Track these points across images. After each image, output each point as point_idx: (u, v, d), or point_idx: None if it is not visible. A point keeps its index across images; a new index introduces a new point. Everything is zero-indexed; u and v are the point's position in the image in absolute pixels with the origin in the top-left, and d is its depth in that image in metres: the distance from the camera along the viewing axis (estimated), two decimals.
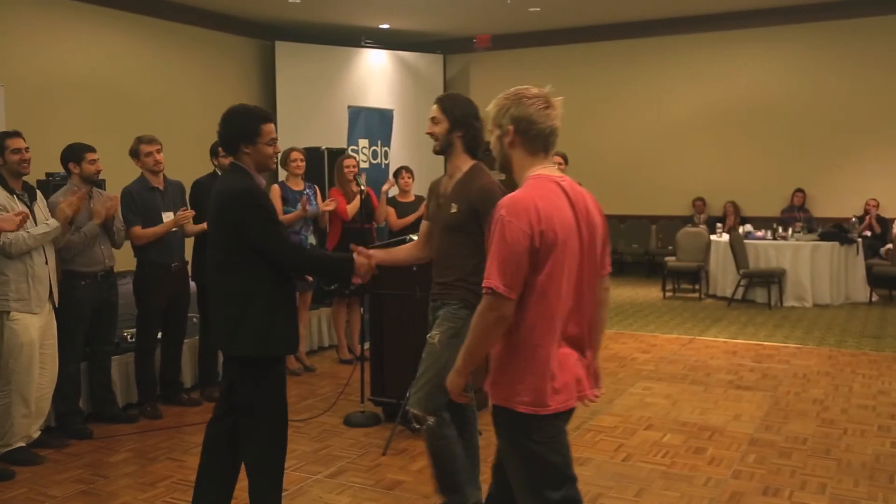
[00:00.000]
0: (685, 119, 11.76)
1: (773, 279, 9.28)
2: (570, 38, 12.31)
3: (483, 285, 2.14)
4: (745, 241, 9.55)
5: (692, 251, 9.99)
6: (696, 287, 10.17)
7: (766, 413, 5.10)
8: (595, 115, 12.29)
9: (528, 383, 2.18)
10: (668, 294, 10.17)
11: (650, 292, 10.48)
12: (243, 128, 3.02)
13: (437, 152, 3.35)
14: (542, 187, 2.19)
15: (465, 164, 3.35)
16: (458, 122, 3.31)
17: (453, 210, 3.27)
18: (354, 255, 3.14)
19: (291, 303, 3.11)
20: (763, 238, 9.74)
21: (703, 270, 10.05)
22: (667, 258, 10.40)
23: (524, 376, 2.19)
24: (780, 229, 9.86)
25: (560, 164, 6.77)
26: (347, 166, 6.35)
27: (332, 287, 6.40)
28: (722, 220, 11.21)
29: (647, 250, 11.88)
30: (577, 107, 12.39)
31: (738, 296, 9.52)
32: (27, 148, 4.28)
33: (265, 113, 3.12)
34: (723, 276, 9.80)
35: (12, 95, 8.33)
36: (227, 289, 2.98)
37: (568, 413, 2.25)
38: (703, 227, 10.43)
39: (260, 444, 3.06)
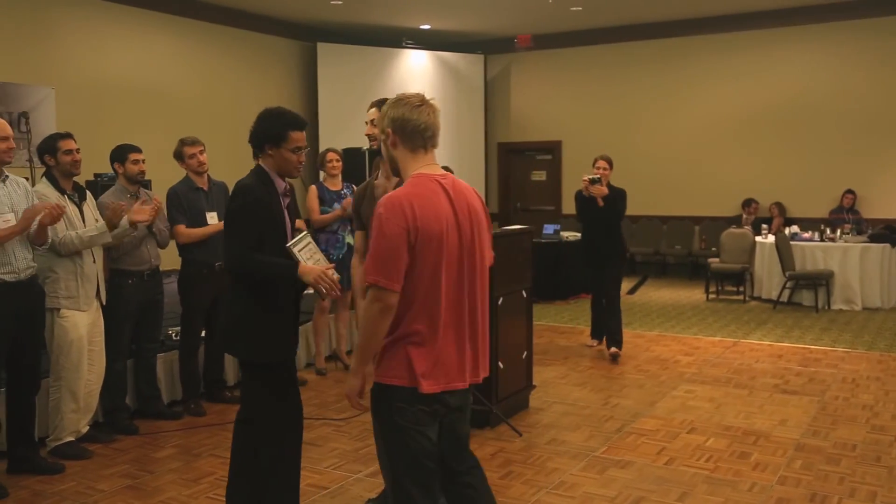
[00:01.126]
0: (729, 118, 11.58)
1: (820, 281, 9.09)
2: (613, 38, 12.20)
3: (366, 280, 2.28)
4: (792, 242, 9.37)
5: (736, 253, 9.84)
6: (741, 289, 10.01)
7: (814, 418, 5.00)
8: (637, 114, 12.16)
9: (401, 361, 2.32)
10: (712, 296, 10.02)
11: (693, 294, 10.33)
12: (270, 129, 3.03)
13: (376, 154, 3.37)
14: (420, 185, 2.34)
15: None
16: None
17: None
18: (300, 262, 2.99)
19: (291, 307, 3.08)
20: (810, 240, 9.55)
21: (748, 272, 9.88)
22: (710, 260, 10.25)
23: (402, 359, 2.32)
24: (828, 231, 9.65)
25: (605, 169, 6.68)
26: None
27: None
28: (767, 221, 11.01)
29: (689, 252, 11.73)
30: (619, 106, 12.28)
31: (784, 298, 9.35)
32: (78, 149, 4.37)
33: (299, 121, 3.09)
34: (768, 278, 9.63)
35: (63, 97, 8.53)
36: (234, 290, 3.03)
37: (438, 398, 2.35)
38: (747, 229, 10.26)
39: (244, 446, 3.09)
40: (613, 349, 6.64)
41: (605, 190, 6.59)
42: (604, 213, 6.60)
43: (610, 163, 6.76)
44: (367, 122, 3.53)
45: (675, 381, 5.96)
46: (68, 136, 4.38)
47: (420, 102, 2.40)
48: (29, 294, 3.95)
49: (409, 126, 2.38)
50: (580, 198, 6.77)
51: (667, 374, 6.19)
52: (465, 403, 2.52)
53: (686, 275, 11.80)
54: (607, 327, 6.76)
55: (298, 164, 3.08)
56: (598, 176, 6.61)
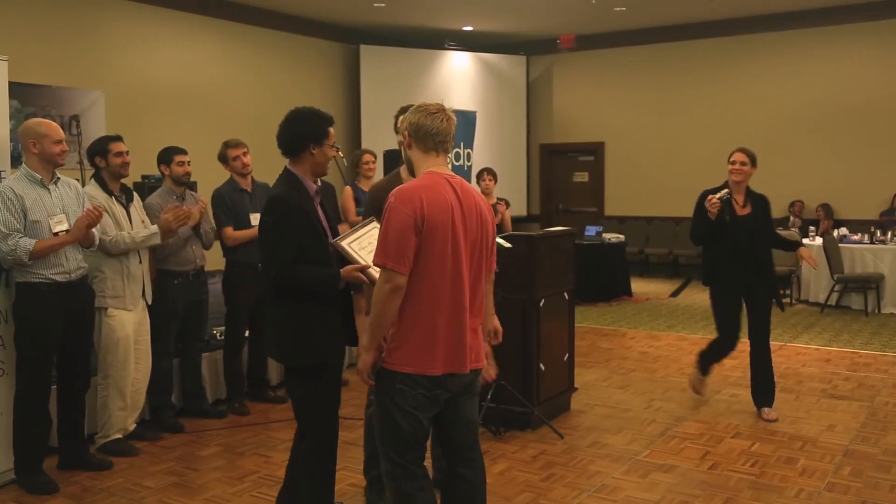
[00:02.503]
0: (775, 119, 11.36)
1: (870, 285, 8.87)
2: (656, 38, 12.07)
3: (374, 262, 2.53)
4: (840, 245, 9.15)
5: (782, 255, 9.64)
6: (787, 292, 9.82)
7: (863, 424, 4.87)
8: (681, 115, 12.01)
9: (404, 347, 2.51)
10: None
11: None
12: (315, 128, 3.02)
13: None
14: (431, 180, 2.57)
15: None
16: None
17: None
18: (340, 269, 2.99)
19: (335, 308, 3.04)
20: (859, 242, 9.32)
21: (794, 275, 9.68)
22: None
23: (405, 343, 2.51)
24: (878, 233, 9.41)
25: (743, 164, 4.98)
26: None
27: None
28: (815, 223, 10.78)
29: None
30: (663, 107, 12.14)
31: (832, 302, 9.14)
32: (127, 151, 4.45)
33: (329, 116, 3.14)
34: (815, 281, 9.43)
35: (112, 101, 8.70)
36: (274, 295, 3.01)
37: (439, 382, 2.52)
38: (794, 231, 10.06)
39: (295, 449, 3.10)
40: (770, 413, 5.01)
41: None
42: (746, 224, 4.90)
43: (752, 158, 5.00)
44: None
45: (720, 384, 5.86)
46: (118, 138, 4.45)
47: (436, 110, 2.64)
48: (79, 294, 4.02)
49: (422, 130, 2.62)
50: (704, 207, 4.93)
51: (711, 377, 6.07)
52: (469, 388, 2.64)
53: None
54: (758, 380, 5.09)
55: (330, 160, 3.12)
56: (728, 194, 4.93)
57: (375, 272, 2.92)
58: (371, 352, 2.56)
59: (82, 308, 4.07)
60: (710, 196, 4.88)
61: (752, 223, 4.91)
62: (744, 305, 5.01)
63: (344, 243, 3.05)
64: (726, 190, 4.91)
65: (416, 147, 2.66)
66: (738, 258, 4.88)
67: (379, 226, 3.19)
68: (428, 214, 2.48)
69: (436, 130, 2.62)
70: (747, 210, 4.95)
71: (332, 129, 3.10)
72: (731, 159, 5.00)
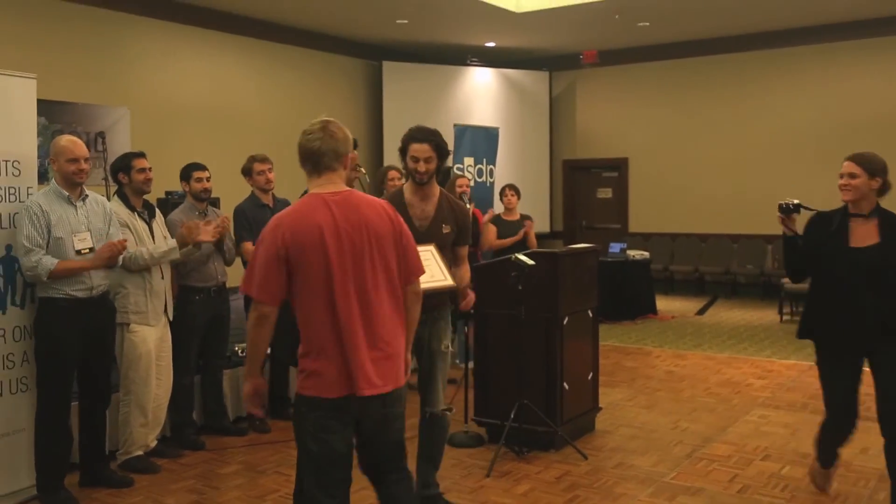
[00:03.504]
0: (802, 134, 11.24)
1: None
2: (680, 53, 12.01)
3: (241, 290, 2.77)
4: None
5: None
6: None
7: None
8: (706, 130, 11.92)
9: (305, 370, 2.64)
10: (786, 317, 9.70)
11: (766, 315, 10.03)
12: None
13: (420, 184, 3.73)
14: (304, 203, 2.67)
15: (436, 189, 3.81)
16: (443, 156, 3.75)
17: (446, 230, 3.76)
18: None
19: None
20: None
21: None
22: (784, 280, 9.94)
23: (304, 368, 2.64)
24: None
25: (852, 175, 3.61)
26: (460, 185, 6.32)
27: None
28: None
29: (762, 271, 11.40)
30: (688, 122, 12.06)
31: None
32: (150, 168, 4.48)
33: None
34: None
35: (137, 117, 8.79)
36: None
37: (339, 405, 2.60)
38: None
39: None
40: None
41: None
42: (865, 260, 3.52)
43: (868, 167, 3.57)
44: (423, 161, 3.76)
45: (748, 405, 5.76)
46: (141, 154, 4.49)
47: (313, 131, 2.72)
48: (100, 310, 4.04)
49: (302, 153, 2.73)
50: (816, 228, 3.74)
51: (739, 397, 5.99)
52: (383, 410, 2.69)
53: (758, 295, 11.47)
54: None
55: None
56: (797, 205, 3.80)
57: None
58: (248, 380, 2.77)
59: (103, 324, 4.09)
60: (788, 201, 3.77)
61: (875, 259, 3.49)
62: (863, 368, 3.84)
63: None
64: (796, 200, 3.76)
65: (306, 171, 2.75)
66: (848, 306, 3.55)
67: (434, 252, 3.59)
68: (292, 241, 2.59)
69: (311, 151, 2.70)
70: (871, 240, 3.53)
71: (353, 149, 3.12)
72: (840, 171, 3.64)
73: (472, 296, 3.98)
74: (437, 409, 3.77)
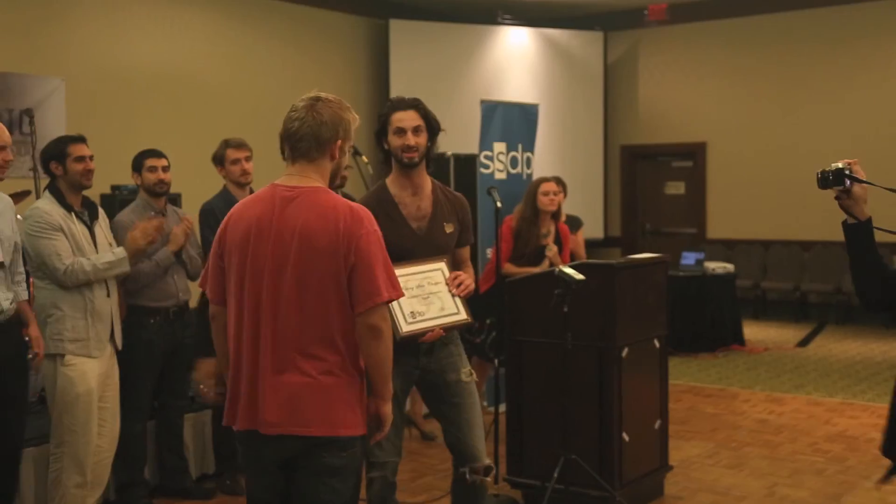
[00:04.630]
0: None
1: None
2: (776, 5, 11.96)
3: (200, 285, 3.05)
4: None
5: None
6: None
7: None
8: (810, 105, 11.85)
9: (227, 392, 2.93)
10: None
11: (891, 348, 9.95)
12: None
13: (410, 166, 3.76)
14: (254, 195, 2.95)
15: (427, 178, 3.87)
16: (434, 132, 3.79)
17: (450, 230, 3.84)
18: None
19: None
20: None
21: None
22: None
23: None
24: None
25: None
26: (545, 192, 6.26)
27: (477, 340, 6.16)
28: None
29: None
30: (785, 95, 12.00)
31: None
32: (91, 156, 4.51)
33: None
34: None
35: (75, 91, 8.82)
36: None
37: (245, 440, 2.87)
38: None
39: None
40: None
41: None
42: None
43: None
44: (410, 130, 3.80)
45: (869, 466, 5.72)
46: (80, 139, 4.52)
47: (296, 108, 2.88)
48: (5, 340, 4.03)
49: (281, 133, 2.92)
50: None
51: (856, 456, 5.94)
52: (305, 458, 2.80)
53: (880, 321, 11.37)
54: None
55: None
56: (841, 170, 3.16)
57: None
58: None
59: (9, 358, 4.07)
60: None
61: None
62: None
63: None
64: (840, 163, 2.93)
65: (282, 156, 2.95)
66: None
67: (445, 271, 3.67)
68: (226, 236, 2.88)
69: (287, 133, 2.88)
70: None
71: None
72: None
73: (466, 277, 3.81)
74: (481, 462, 3.75)
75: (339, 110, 2.92)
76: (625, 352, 4.76)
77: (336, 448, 2.79)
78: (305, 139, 2.83)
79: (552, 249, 6.27)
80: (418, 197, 3.81)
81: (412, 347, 3.67)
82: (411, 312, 3.58)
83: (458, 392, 3.79)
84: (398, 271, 3.28)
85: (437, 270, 3.65)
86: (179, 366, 5.06)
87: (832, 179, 2.95)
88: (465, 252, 3.96)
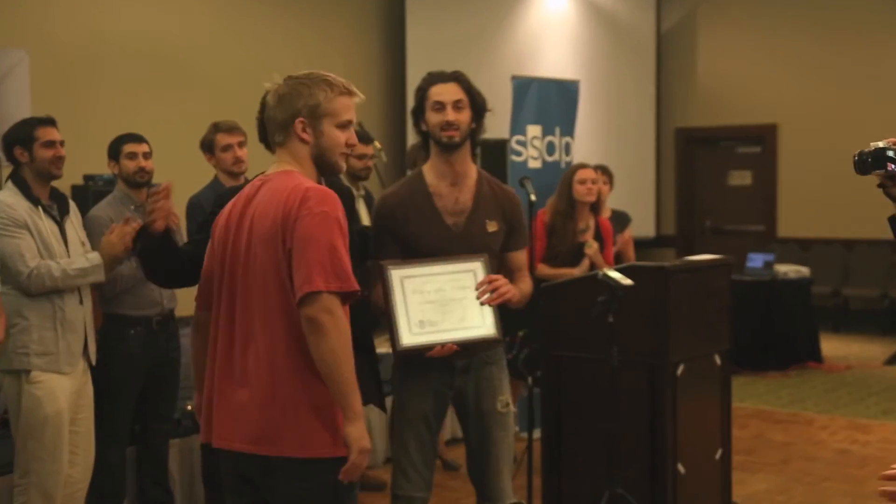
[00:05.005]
0: None
1: None
2: None
3: None
4: None
5: None
6: None
7: None
8: (885, 80, 11.77)
9: None
10: None
11: None
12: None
13: (450, 147, 3.75)
14: (244, 189, 3.11)
15: (472, 167, 3.89)
16: (479, 110, 3.79)
17: (492, 228, 3.79)
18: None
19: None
20: None
21: None
22: None
23: None
24: None
25: None
26: (582, 181, 6.28)
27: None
28: None
29: None
30: (870, 71, 11.92)
31: None
32: (62, 141, 4.53)
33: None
34: None
35: (40, 65, 8.83)
36: None
37: (220, 455, 2.98)
38: None
39: None
40: None
41: None
42: None
43: None
44: (450, 105, 3.79)
45: None
46: (49, 122, 4.53)
47: (267, 93, 3.08)
48: None
49: None
50: None
51: None
52: (264, 479, 2.88)
53: None
54: None
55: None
56: (883, 150, 3.04)
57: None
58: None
59: None
60: None
61: None
62: None
63: (396, 272, 3.14)
64: (882, 142, 2.83)
65: None
66: None
67: (480, 273, 3.63)
68: (215, 234, 3.06)
69: (264, 119, 3.13)
70: None
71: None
72: None
73: (502, 283, 3.71)
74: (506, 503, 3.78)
75: (299, 86, 2.99)
76: (680, 369, 4.75)
77: (294, 473, 2.82)
78: (269, 123, 3.05)
79: (592, 247, 6.23)
80: (457, 188, 3.80)
81: (446, 364, 3.69)
82: (420, 321, 3.55)
83: (490, 423, 3.80)
84: (412, 270, 3.27)
85: (468, 272, 3.61)
86: (164, 384, 5.07)
87: (871, 162, 2.83)
88: (521, 258, 3.94)
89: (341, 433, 2.82)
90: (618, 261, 6.53)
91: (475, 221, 3.78)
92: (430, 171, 3.83)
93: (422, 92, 3.79)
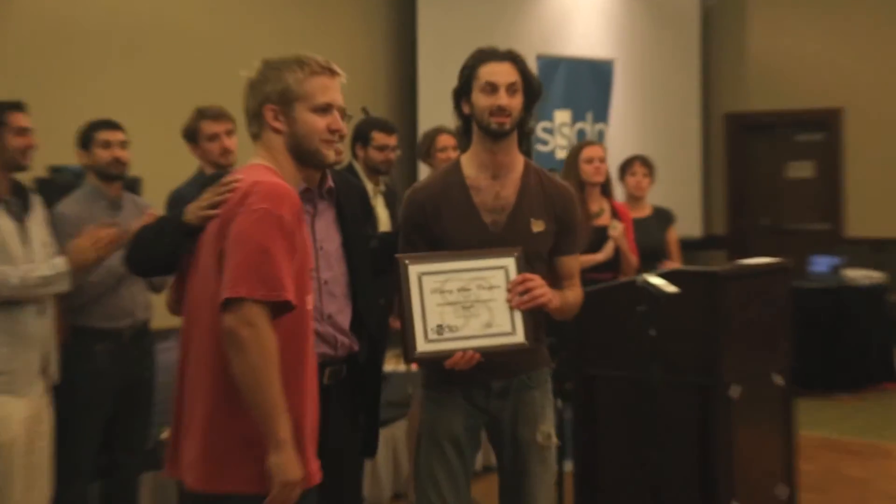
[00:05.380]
0: None
1: None
2: None
3: None
4: None
5: None
6: None
7: None
8: None
9: None
10: None
11: None
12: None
13: (500, 135, 3.73)
14: None
15: (518, 158, 3.87)
16: (533, 96, 3.79)
17: (538, 228, 3.76)
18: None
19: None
20: None
21: None
22: None
23: None
24: None
25: None
26: (589, 160, 6.36)
27: None
28: None
29: None
30: None
31: None
32: (30, 128, 4.55)
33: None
34: None
35: (2, 43, 8.89)
36: None
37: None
38: None
39: None
40: None
41: None
42: None
43: None
44: (504, 88, 3.75)
45: None
46: (17, 106, 4.56)
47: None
48: None
49: None
50: None
51: None
52: None
53: None
54: None
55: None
56: None
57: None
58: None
59: None
60: None
61: None
62: None
63: (413, 268, 3.15)
64: None
65: None
66: None
67: (511, 266, 3.59)
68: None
69: None
70: None
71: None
72: None
73: (537, 285, 3.68)
74: None
75: (268, 70, 3.03)
76: (734, 391, 4.74)
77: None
78: (245, 115, 3.16)
79: (617, 228, 6.30)
80: (499, 182, 3.77)
81: (481, 383, 3.68)
82: (438, 326, 3.50)
83: (528, 456, 3.78)
84: (432, 265, 3.26)
85: (498, 269, 3.55)
86: (136, 408, 5.07)
87: None
88: (571, 264, 3.90)
89: (258, 466, 2.81)
90: (649, 258, 6.51)
91: (518, 220, 3.74)
92: (469, 162, 3.81)
93: (470, 70, 3.75)
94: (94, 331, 4.88)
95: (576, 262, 3.92)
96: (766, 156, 13.18)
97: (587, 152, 6.36)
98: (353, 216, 3.64)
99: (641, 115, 12.16)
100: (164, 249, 3.22)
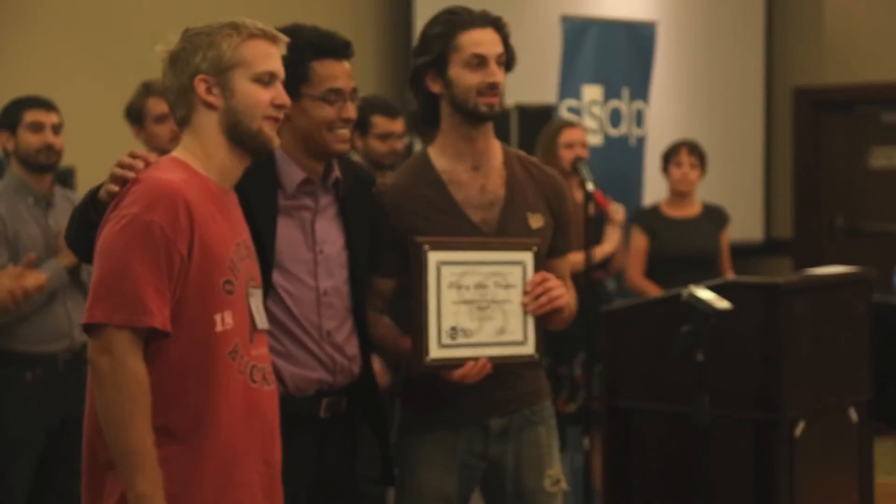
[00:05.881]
0: None
1: None
2: None
3: None
4: None
5: None
6: None
7: None
8: None
9: None
10: None
11: None
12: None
13: (483, 118, 3.69)
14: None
15: (495, 143, 3.85)
16: (510, 66, 3.78)
17: (536, 223, 3.74)
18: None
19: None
20: None
21: None
22: None
23: None
24: None
25: None
26: (569, 144, 6.40)
27: None
28: None
29: None
30: None
31: None
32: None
33: (335, 41, 3.42)
34: None
35: None
36: None
37: None
38: None
39: None
40: None
41: None
42: None
43: None
44: (493, 59, 3.71)
45: None
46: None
47: None
48: None
49: None
50: None
51: None
52: None
53: None
54: None
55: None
56: None
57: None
58: None
59: None
60: None
61: None
62: None
63: (434, 255, 3.35)
64: None
65: None
66: None
67: (529, 263, 3.58)
68: None
69: None
70: None
71: (326, 64, 3.33)
72: None
73: (556, 286, 3.69)
74: None
75: (195, 37, 3.06)
76: (800, 428, 4.75)
77: None
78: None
79: (619, 211, 6.45)
80: (482, 173, 3.72)
81: (477, 421, 3.65)
82: (452, 328, 3.46)
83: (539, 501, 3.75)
84: (454, 254, 3.29)
85: (516, 265, 3.52)
86: (74, 449, 5.07)
87: None
88: (564, 265, 3.87)
89: None
90: (679, 265, 6.56)
91: (513, 216, 3.69)
92: (440, 154, 3.72)
93: (445, 39, 3.64)
94: (22, 356, 4.91)
95: (569, 264, 3.94)
96: (844, 140, 13.15)
97: (567, 135, 6.39)
98: (359, 213, 3.58)
99: (690, 92, 12.17)
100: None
